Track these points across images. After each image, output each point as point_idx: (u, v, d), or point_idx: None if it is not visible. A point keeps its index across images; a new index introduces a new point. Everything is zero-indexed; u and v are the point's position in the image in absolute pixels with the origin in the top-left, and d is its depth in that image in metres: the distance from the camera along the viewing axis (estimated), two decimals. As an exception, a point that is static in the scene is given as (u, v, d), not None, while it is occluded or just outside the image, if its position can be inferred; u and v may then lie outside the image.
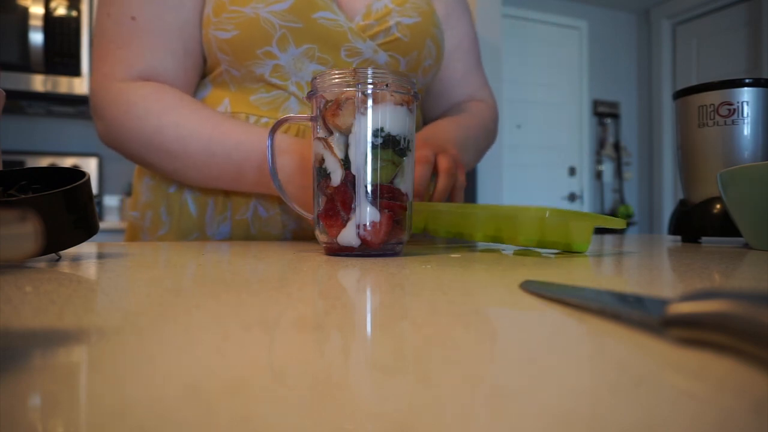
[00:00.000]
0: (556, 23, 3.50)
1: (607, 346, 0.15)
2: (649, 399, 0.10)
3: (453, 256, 0.42)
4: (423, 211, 0.54)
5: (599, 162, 3.67)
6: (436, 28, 0.72)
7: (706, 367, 0.13)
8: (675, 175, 3.56)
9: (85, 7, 1.92)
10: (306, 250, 0.48)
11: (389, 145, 0.41)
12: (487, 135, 0.80)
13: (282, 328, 0.17)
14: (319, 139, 0.43)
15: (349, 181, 0.41)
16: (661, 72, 3.58)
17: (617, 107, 3.69)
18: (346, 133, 0.41)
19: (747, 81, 0.62)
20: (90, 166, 2.24)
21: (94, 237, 0.39)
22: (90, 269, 0.33)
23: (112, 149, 0.64)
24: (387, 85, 0.41)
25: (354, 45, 0.64)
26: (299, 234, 0.67)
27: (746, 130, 0.62)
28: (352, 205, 0.41)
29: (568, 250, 0.44)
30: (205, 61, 0.66)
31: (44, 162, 2.14)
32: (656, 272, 0.32)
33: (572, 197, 3.59)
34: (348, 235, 0.41)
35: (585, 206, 3.59)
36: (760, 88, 0.62)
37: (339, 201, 0.41)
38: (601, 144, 3.67)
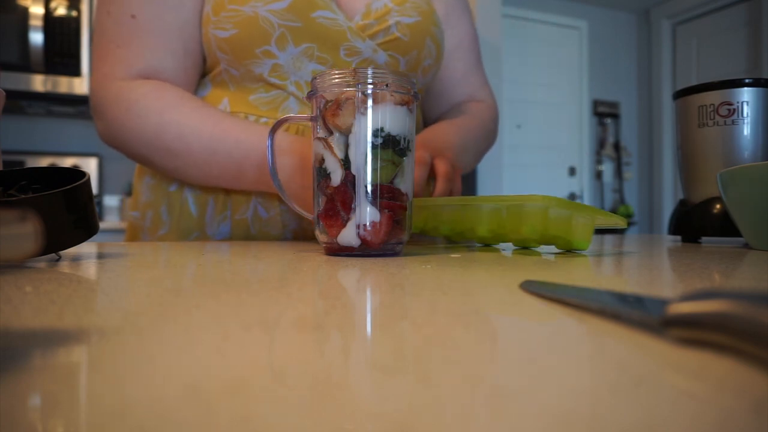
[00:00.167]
0: (556, 23, 3.50)
1: (607, 346, 0.15)
2: (649, 399, 0.10)
3: (453, 256, 0.42)
4: (423, 209, 0.54)
5: (599, 162, 3.67)
6: (436, 27, 0.72)
7: (706, 367, 0.13)
8: (675, 175, 3.56)
9: (85, 7, 1.92)
10: (306, 250, 0.48)
11: (389, 145, 0.41)
12: (487, 136, 0.80)
13: (282, 328, 0.17)
14: (319, 139, 0.43)
15: (349, 181, 0.41)
16: (661, 72, 3.58)
17: (617, 107, 3.69)
18: (346, 133, 0.41)
19: (747, 81, 0.62)
20: (90, 166, 2.24)
21: (94, 237, 0.39)
22: (90, 269, 0.33)
23: (113, 148, 0.64)
24: (387, 85, 0.41)
25: (353, 44, 0.64)
26: (299, 234, 0.67)
27: (746, 130, 0.62)
28: (352, 205, 0.41)
29: (568, 248, 0.44)
30: (204, 60, 0.66)
31: (44, 162, 2.14)
32: (656, 272, 0.32)
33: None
34: (348, 235, 0.41)
35: (585, 206, 3.59)
36: (760, 88, 0.62)
37: (339, 201, 0.41)
38: (601, 144, 3.67)
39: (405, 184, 0.43)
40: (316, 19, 0.62)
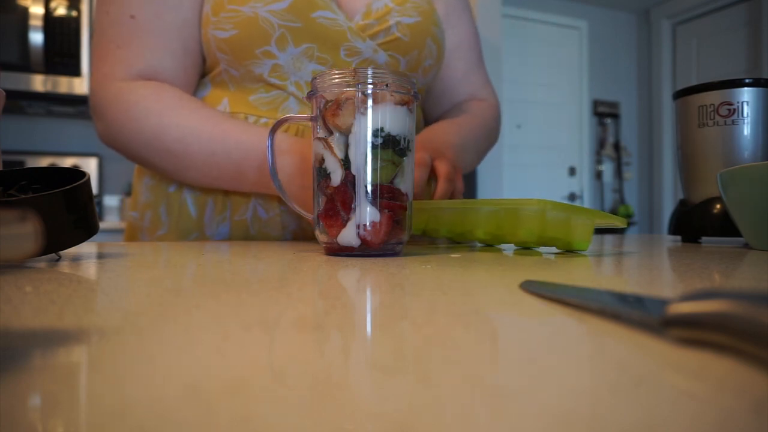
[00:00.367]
0: (556, 23, 3.50)
1: (607, 346, 0.15)
2: (649, 399, 0.10)
3: (453, 256, 0.42)
4: (423, 211, 0.54)
5: (599, 162, 3.67)
6: (437, 27, 0.72)
7: (706, 367, 0.13)
8: (675, 175, 3.56)
9: (85, 7, 1.92)
10: (306, 250, 0.48)
11: (389, 145, 0.41)
12: (489, 135, 0.80)
13: (282, 328, 0.17)
14: (319, 139, 0.43)
15: (349, 181, 0.41)
16: (661, 72, 3.58)
17: (617, 107, 3.69)
18: (346, 133, 0.41)
19: (747, 81, 0.62)
20: (90, 166, 2.24)
21: (94, 237, 0.39)
22: (90, 269, 0.33)
23: (112, 149, 0.64)
24: (387, 85, 0.41)
25: (353, 44, 0.64)
26: (299, 235, 0.67)
27: (746, 130, 0.62)
28: (352, 205, 0.41)
29: (568, 249, 0.44)
30: (204, 60, 0.66)
31: (44, 162, 2.14)
32: (656, 272, 0.32)
33: (572, 197, 3.59)
34: (348, 235, 0.41)
35: (585, 206, 3.59)
36: (760, 88, 0.62)
37: (339, 201, 0.41)
38: (601, 144, 3.67)
39: (405, 184, 0.43)
40: (316, 20, 0.61)
